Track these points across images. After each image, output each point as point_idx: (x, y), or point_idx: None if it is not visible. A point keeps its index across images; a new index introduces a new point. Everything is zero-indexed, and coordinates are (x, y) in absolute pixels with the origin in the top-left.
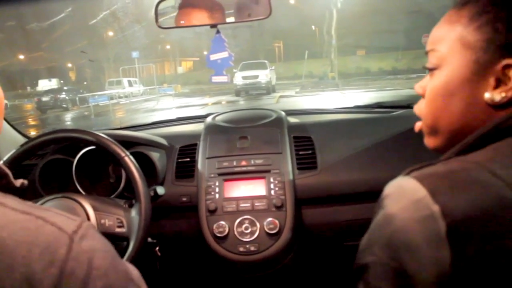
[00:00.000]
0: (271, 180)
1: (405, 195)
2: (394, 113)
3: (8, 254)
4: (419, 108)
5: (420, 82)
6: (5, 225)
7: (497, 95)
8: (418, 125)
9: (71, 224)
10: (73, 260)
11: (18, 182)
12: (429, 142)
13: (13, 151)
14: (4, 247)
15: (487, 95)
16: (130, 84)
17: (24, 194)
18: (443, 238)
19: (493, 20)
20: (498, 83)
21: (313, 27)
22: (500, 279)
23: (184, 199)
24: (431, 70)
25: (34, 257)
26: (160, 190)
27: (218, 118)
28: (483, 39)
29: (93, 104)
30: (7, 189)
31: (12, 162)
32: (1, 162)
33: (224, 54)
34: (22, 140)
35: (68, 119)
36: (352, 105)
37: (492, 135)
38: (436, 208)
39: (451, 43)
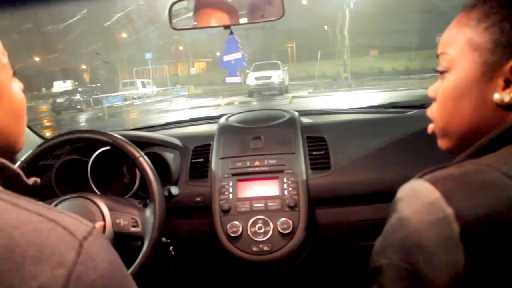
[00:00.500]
0: (285, 180)
1: (418, 197)
2: (408, 113)
3: (19, 253)
4: (432, 111)
5: (432, 85)
6: (17, 225)
7: (507, 96)
8: (430, 127)
9: (83, 229)
10: (81, 264)
11: (31, 180)
12: (442, 144)
13: (30, 151)
14: (16, 246)
15: (496, 96)
16: (144, 85)
17: (39, 192)
18: (457, 241)
19: (500, 21)
20: (507, 84)
21: (325, 27)
22: None
23: (198, 199)
24: (442, 73)
25: (44, 258)
26: (174, 190)
27: (231, 118)
28: (491, 40)
29: (107, 105)
30: (20, 188)
31: (29, 162)
32: (18, 162)
33: (238, 55)
34: (38, 141)
35: (83, 120)
36: (365, 105)
37: (505, 138)
38: (449, 210)
39: (460, 45)
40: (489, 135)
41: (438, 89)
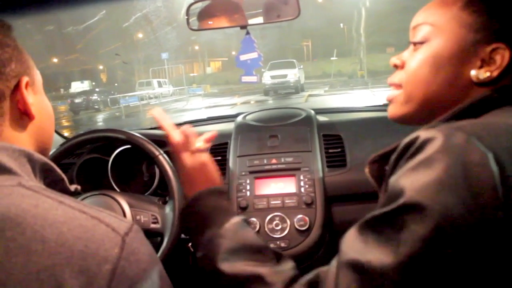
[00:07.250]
0: (301, 177)
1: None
2: None
3: (68, 247)
4: (397, 78)
5: (398, 55)
6: (65, 221)
7: (482, 74)
8: (391, 95)
9: (123, 226)
10: (124, 259)
11: (72, 187)
12: (400, 110)
13: (54, 150)
14: (65, 240)
15: (473, 73)
16: (160, 85)
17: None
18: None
19: (490, 5)
20: (482, 64)
21: (341, 25)
22: None
23: None
24: (417, 44)
25: (90, 252)
26: None
27: (248, 117)
28: (479, 22)
29: (123, 105)
30: (62, 193)
31: (53, 161)
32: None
33: (254, 55)
34: (60, 140)
35: (100, 120)
36: (381, 103)
37: (477, 108)
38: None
39: (446, 20)
40: (462, 105)
41: (405, 59)
